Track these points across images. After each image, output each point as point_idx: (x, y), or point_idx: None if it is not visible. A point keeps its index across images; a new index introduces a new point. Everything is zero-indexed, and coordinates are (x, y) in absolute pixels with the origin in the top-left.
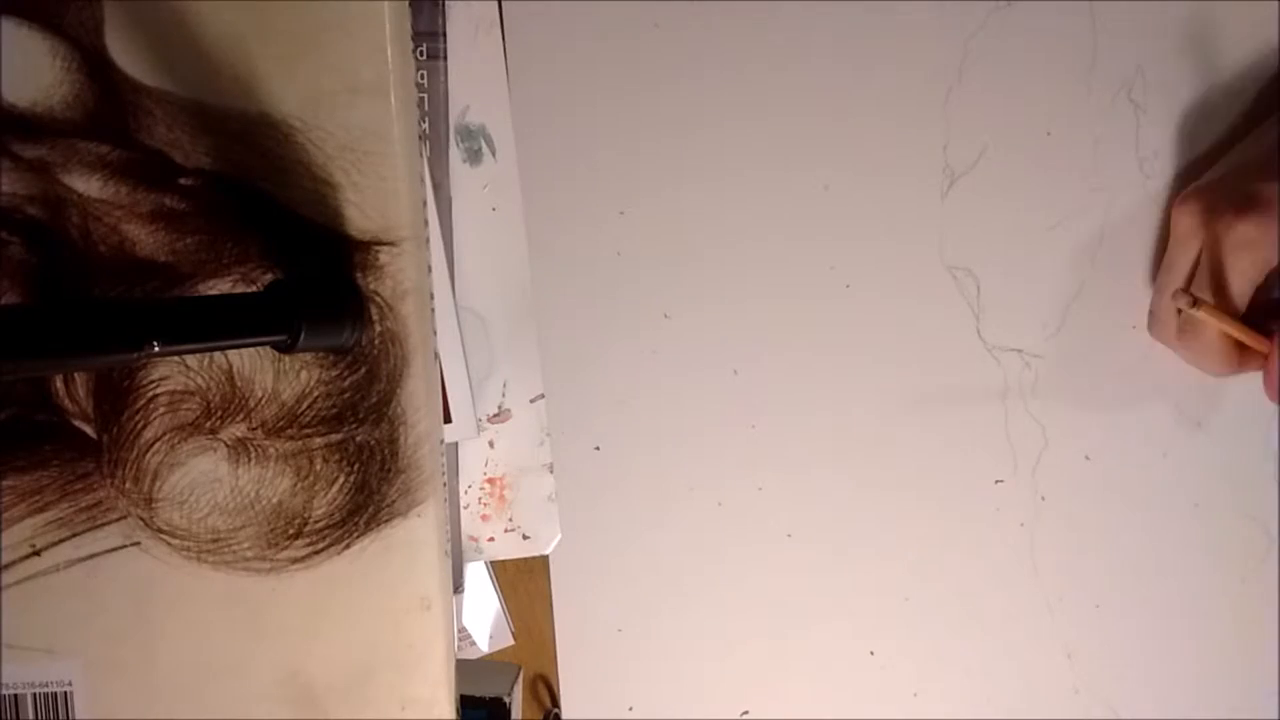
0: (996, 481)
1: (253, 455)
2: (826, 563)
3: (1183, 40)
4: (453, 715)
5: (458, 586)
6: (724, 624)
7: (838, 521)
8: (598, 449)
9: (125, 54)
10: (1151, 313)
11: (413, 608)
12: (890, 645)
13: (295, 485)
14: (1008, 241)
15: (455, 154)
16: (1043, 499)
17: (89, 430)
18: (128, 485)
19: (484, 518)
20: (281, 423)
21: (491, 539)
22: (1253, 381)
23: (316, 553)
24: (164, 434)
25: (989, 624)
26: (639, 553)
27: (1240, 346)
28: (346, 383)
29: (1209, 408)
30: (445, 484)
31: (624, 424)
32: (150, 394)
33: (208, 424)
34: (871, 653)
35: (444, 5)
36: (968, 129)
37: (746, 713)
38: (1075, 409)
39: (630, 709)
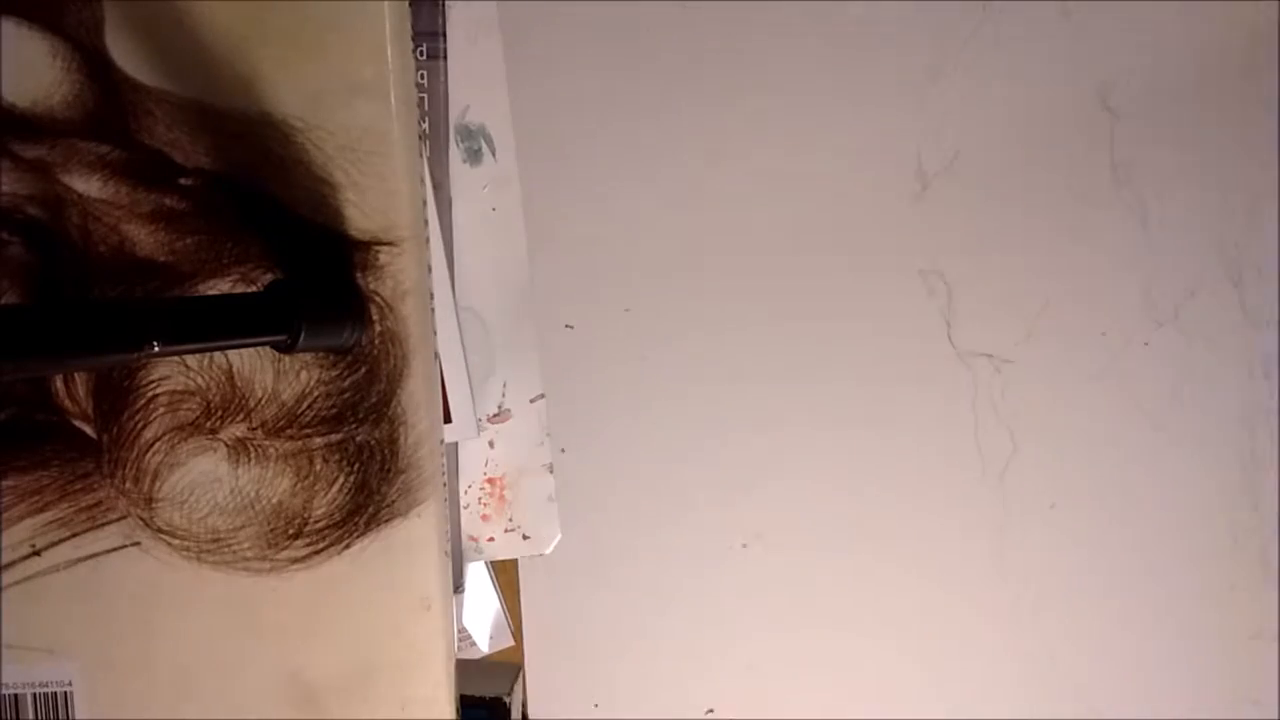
0: (966, 487)
1: (253, 455)
2: (795, 568)
3: (1159, 47)
4: (453, 715)
5: (458, 586)
6: (712, 625)
7: (810, 526)
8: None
9: (125, 54)
10: None
11: (413, 608)
12: (860, 650)
13: (295, 485)
14: (980, 246)
15: (455, 154)
16: (1012, 505)
17: (89, 430)
18: (128, 485)
19: (484, 518)
20: (281, 423)
21: (491, 539)
22: (1221, 387)
23: (316, 553)
24: (164, 434)
25: (959, 629)
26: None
27: None
28: (346, 383)
29: (1178, 414)
30: (445, 484)
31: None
32: (150, 394)
33: (208, 424)
34: (845, 657)
35: (444, 5)
36: (941, 133)
37: (711, 711)
38: (1045, 415)
39: (596, 705)
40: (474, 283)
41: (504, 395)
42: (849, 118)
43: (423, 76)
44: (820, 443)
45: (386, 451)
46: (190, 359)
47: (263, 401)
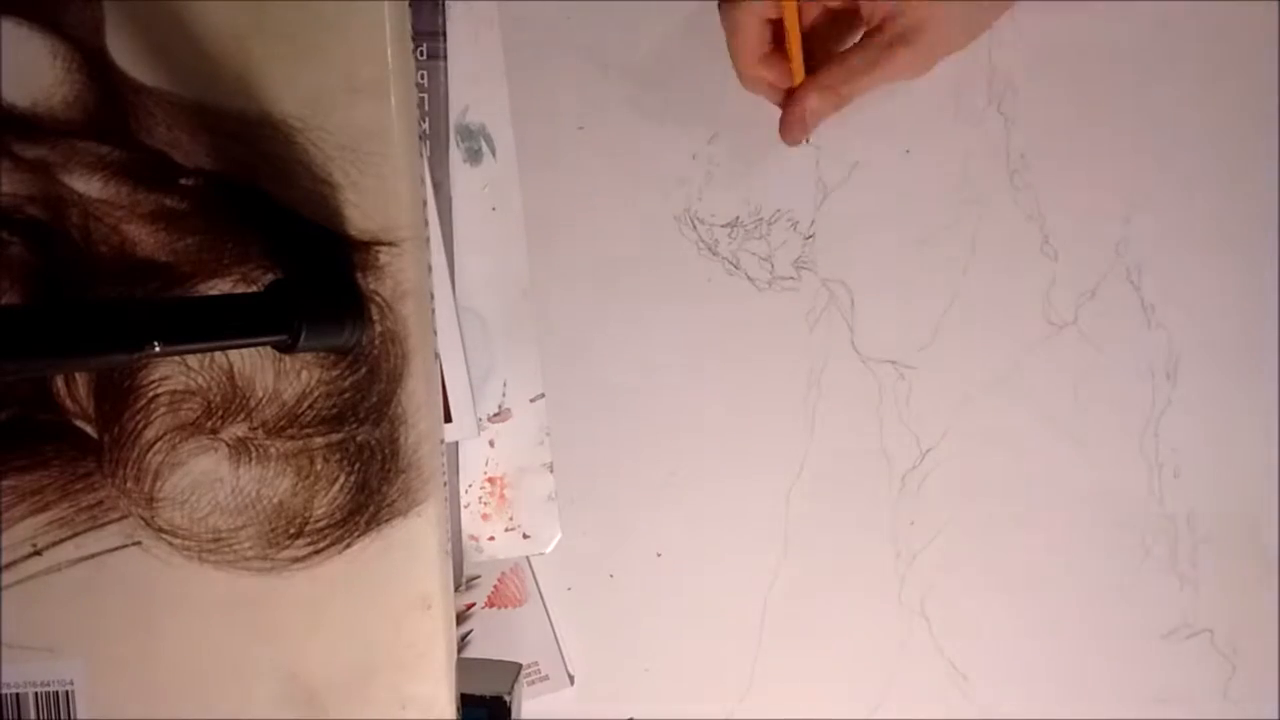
0: (871, 492)
1: (253, 455)
2: (693, 571)
3: (1051, 52)
4: (453, 715)
5: (457, 586)
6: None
7: (710, 534)
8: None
9: (125, 54)
10: None
11: (413, 607)
12: (759, 650)
13: (296, 485)
14: (881, 255)
15: (455, 154)
16: (917, 509)
17: (90, 430)
18: (129, 485)
19: (484, 517)
20: (282, 422)
21: (492, 538)
22: (1123, 393)
23: (317, 552)
24: (165, 434)
25: (855, 632)
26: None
27: (774, 58)
28: (347, 382)
29: (1081, 419)
30: (445, 483)
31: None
32: (151, 394)
33: (208, 424)
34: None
35: (444, 5)
36: (839, 144)
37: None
38: (948, 420)
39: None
40: (474, 283)
41: (504, 395)
42: (746, 126)
43: (423, 76)
44: (728, 448)
45: (387, 451)
46: (191, 359)
47: (263, 401)
